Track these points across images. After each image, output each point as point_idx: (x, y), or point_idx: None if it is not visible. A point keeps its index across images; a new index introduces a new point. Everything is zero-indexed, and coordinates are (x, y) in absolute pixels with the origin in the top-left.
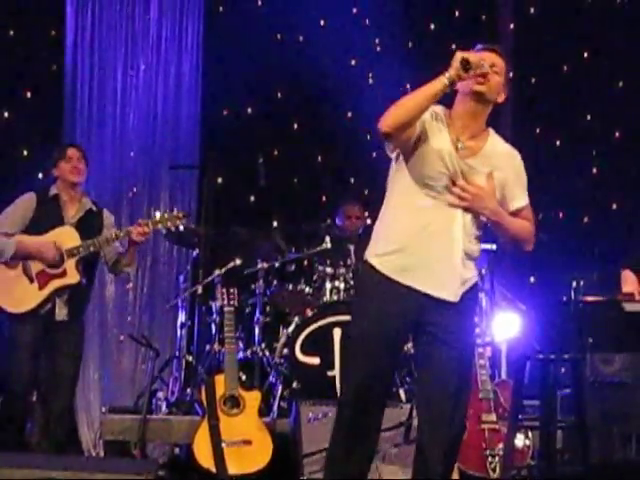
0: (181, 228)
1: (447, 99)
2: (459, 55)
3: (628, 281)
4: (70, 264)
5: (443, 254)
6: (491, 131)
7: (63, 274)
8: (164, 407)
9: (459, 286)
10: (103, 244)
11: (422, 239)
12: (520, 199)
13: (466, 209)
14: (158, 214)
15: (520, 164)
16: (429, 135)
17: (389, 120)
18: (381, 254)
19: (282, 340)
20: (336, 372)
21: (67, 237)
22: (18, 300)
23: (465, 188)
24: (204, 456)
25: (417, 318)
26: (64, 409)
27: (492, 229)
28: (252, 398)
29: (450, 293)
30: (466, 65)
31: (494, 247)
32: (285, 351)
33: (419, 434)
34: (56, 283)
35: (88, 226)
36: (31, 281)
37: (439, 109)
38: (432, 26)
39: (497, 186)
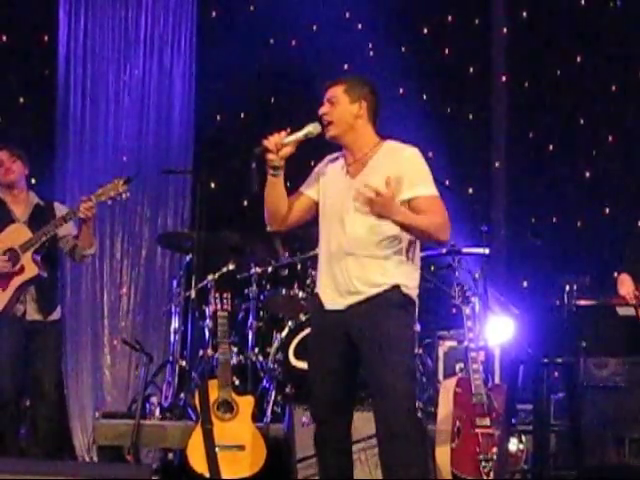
0: (124, 196)
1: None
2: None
3: (625, 284)
4: (27, 258)
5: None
6: (385, 143)
7: (21, 270)
8: (157, 412)
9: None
10: (52, 230)
11: (325, 262)
12: (407, 192)
13: (379, 216)
14: (100, 188)
15: (409, 158)
16: (327, 181)
17: (266, 220)
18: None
19: (275, 345)
20: None
21: (18, 234)
22: None
23: (363, 194)
24: (197, 461)
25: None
26: (51, 412)
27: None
28: (245, 403)
29: (335, 303)
30: (265, 152)
31: (487, 251)
32: (278, 356)
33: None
34: (16, 281)
35: (39, 220)
36: None
37: (335, 156)
38: (425, 30)
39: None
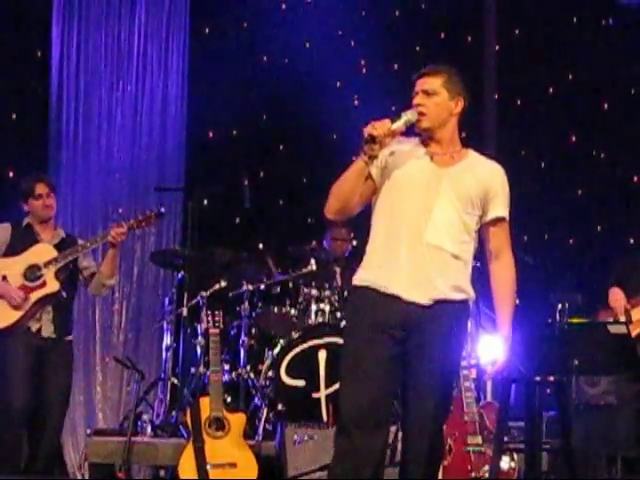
0: (153, 229)
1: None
2: (364, 132)
3: (616, 295)
4: (49, 274)
5: (414, 257)
6: (471, 152)
7: (42, 285)
8: (149, 429)
9: (430, 289)
10: (79, 251)
11: (397, 245)
12: (500, 210)
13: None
14: (133, 218)
15: (503, 179)
16: (398, 162)
17: (330, 208)
18: (366, 270)
19: (267, 362)
20: (321, 394)
21: (43, 252)
22: (1, 317)
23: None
24: (189, 478)
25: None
26: (53, 439)
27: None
28: (237, 420)
29: (419, 295)
30: (372, 141)
31: (477, 264)
32: (270, 373)
33: (402, 453)
34: (36, 294)
35: (64, 249)
36: None
37: (412, 141)
38: (417, 48)
39: (480, 192)
